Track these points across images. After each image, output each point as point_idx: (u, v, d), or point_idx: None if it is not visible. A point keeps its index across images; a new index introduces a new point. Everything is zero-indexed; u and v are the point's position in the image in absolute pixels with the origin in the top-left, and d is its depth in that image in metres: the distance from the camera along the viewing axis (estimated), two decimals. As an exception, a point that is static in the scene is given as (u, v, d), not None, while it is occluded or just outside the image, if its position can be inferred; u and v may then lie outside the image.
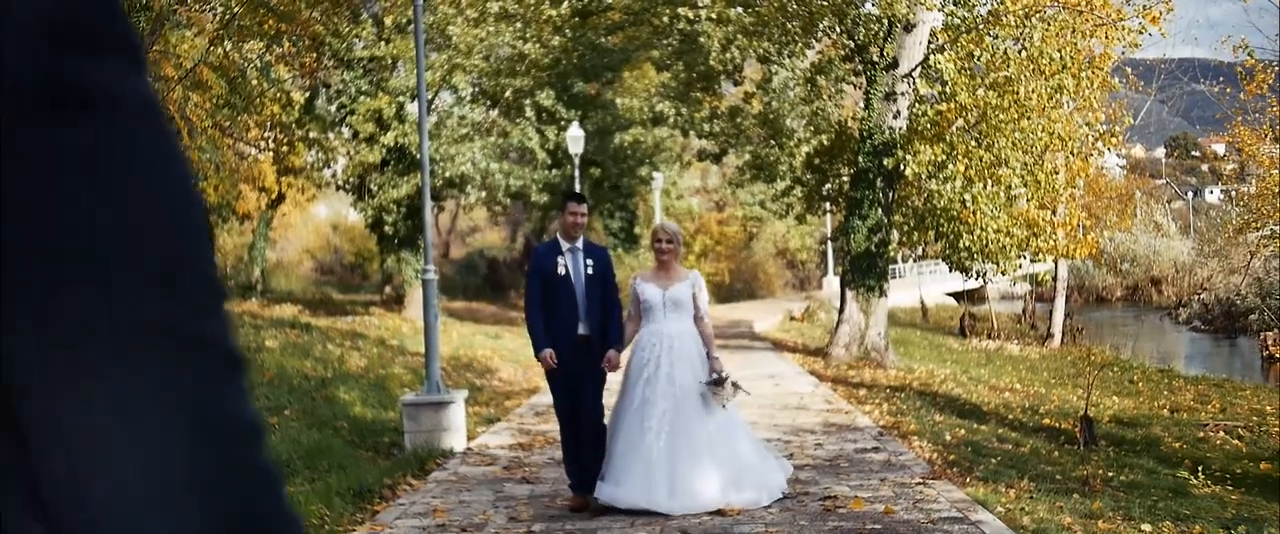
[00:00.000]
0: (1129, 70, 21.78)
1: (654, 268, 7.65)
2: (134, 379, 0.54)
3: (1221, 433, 12.28)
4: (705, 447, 7.15)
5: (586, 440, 7.35)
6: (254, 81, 12.49)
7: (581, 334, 7.29)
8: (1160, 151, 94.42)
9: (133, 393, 0.54)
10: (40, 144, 0.53)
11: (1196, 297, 43.26)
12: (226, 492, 0.57)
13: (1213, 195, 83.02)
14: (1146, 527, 7.17)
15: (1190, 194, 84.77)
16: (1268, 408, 15.11)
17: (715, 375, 7.32)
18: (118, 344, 0.54)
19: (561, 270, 7.31)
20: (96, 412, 0.53)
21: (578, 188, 26.16)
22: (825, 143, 21.91)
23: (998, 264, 17.91)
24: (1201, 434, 12.25)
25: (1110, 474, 9.12)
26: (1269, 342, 28.36)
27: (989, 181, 17.20)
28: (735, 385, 7.28)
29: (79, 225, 0.53)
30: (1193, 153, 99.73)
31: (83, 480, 0.53)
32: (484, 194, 28.71)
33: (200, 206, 0.57)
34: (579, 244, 7.42)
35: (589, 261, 7.40)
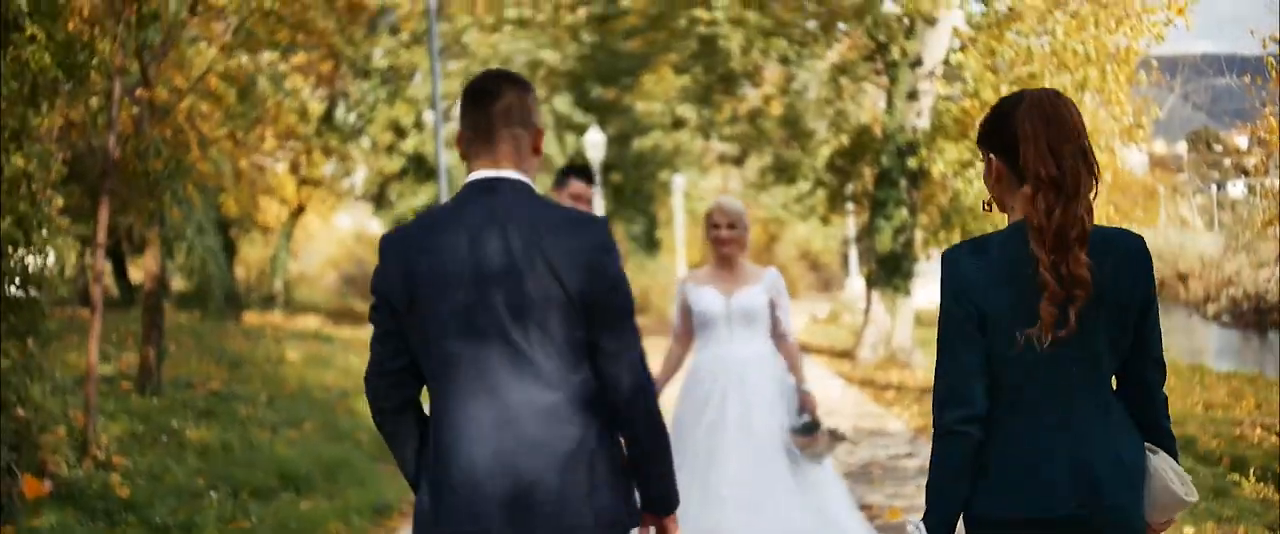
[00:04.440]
0: (1154, 63, 21.49)
1: (711, 265, 5.50)
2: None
3: (1259, 430, 12.00)
4: (797, 525, 5.01)
5: None
6: (268, 93, 12.46)
7: None
8: (1181, 146, 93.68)
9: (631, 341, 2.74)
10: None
11: (1224, 291, 42.77)
12: (643, 367, 2.74)
13: (1236, 189, 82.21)
14: (1189, 529, 6.96)
15: (1213, 188, 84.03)
16: (1304, 404, 14.81)
17: (806, 419, 5.21)
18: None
19: None
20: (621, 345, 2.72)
21: (597, 194, 26.01)
22: (847, 143, 21.71)
23: (1024, 262, 17.65)
24: (1238, 432, 11.97)
25: (1148, 475, 8.87)
26: (1301, 336, 27.94)
27: (1015, 179, 16.94)
28: (834, 434, 5.25)
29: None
30: (1214, 147, 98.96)
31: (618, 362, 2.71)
32: (504, 202, 28.56)
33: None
34: None
35: None
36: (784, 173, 24.34)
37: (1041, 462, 2.53)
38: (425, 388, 2.81)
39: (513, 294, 2.65)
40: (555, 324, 2.67)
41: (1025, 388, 2.54)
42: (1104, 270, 2.53)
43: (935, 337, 2.68)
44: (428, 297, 2.68)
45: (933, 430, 2.64)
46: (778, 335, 5.42)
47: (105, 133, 8.05)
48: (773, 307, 5.36)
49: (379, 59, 23.95)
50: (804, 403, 5.26)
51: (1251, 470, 9.09)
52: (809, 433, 5.04)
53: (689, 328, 5.47)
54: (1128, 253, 2.59)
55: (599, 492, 2.70)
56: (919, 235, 19.61)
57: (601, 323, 2.69)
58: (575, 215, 2.76)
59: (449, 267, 2.68)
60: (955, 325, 2.54)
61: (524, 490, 2.64)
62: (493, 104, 2.79)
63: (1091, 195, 2.56)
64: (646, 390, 2.75)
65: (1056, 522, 2.53)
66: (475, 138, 2.79)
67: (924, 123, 18.35)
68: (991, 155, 2.64)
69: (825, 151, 22.63)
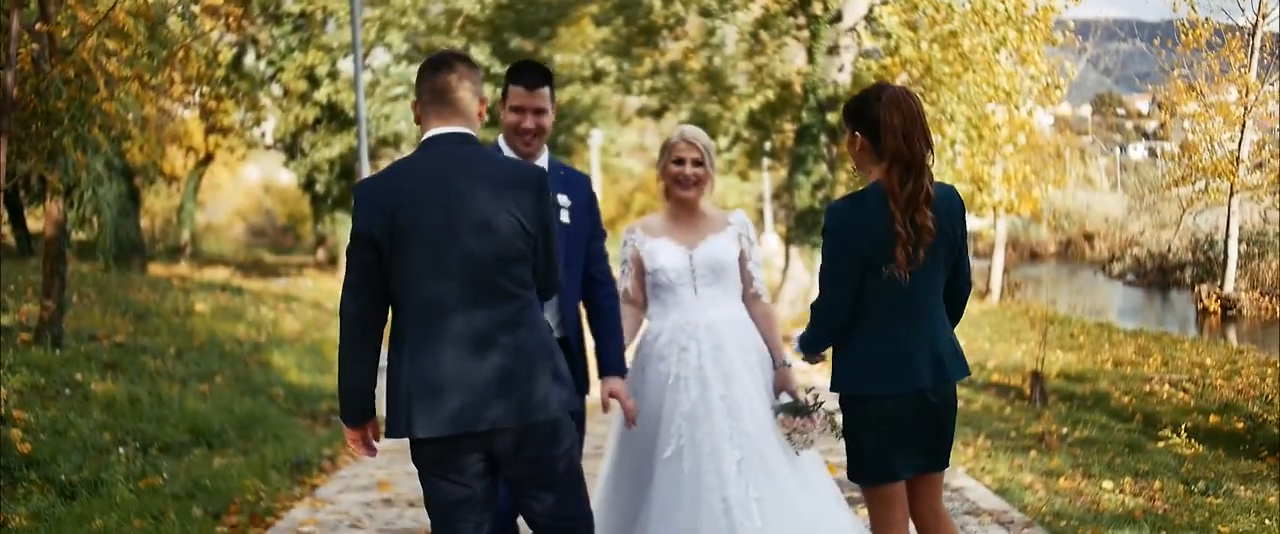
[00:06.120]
0: (1070, 23, 21.76)
1: (666, 210, 4.32)
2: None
3: (1167, 386, 12.26)
4: (802, 521, 4.04)
5: None
6: (180, 33, 11.95)
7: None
8: (1086, 109, 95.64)
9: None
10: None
11: (1129, 251, 43.75)
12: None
13: (1137, 152, 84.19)
14: (1108, 484, 7.04)
15: (1116, 150, 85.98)
16: (1207, 360, 15.14)
17: (799, 398, 4.14)
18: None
19: None
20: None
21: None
22: (769, 99, 21.69)
23: (941, 220, 17.82)
24: (1147, 388, 12.20)
25: (1064, 431, 9.01)
26: (1203, 294, 28.67)
27: (934, 136, 17.09)
28: (831, 416, 4.04)
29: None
30: (1118, 110, 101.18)
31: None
32: (419, 153, 28.17)
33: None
34: (543, 161, 3.99)
35: (565, 199, 4.00)
36: (704, 128, 24.23)
37: (908, 352, 3.56)
38: (393, 313, 3.34)
39: (477, 230, 3.22)
40: (510, 251, 3.25)
41: (892, 300, 3.56)
42: (943, 218, 3.57)
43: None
44: (405, 233, 3.22)
45: (810, 323, 3.71)
46: (749, 296, 4.34)
47: (2, 70, 7.63)
48: (742, 259, 4.31)
49: (291, 4, 23.28)
50: (782, 380, 4.24)
51: (1156, 425, 9.27)
52: (804, 415, 4.03)
53: (642, 290, 4.29)
54: (956, 205, 3.65)
55: (557, 377, 3.33)
56: (839, 191, 19.71)
57: (549, 249, 3.39)
58: (522, 165, 3.42)
59: (423, 206, 3.22)
60: (838, 258, 3.55)
61: (499, 385, 3.23)
62: (450, 73, 3.36)
63: (929, 163, 3.48)
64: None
65: (916, 392, 3.56)
66: (433, 101, 3.35)
67: (845, 78, 18.38)
68: (857, 133, 3.58)
69: (746, 107, 22.58)
